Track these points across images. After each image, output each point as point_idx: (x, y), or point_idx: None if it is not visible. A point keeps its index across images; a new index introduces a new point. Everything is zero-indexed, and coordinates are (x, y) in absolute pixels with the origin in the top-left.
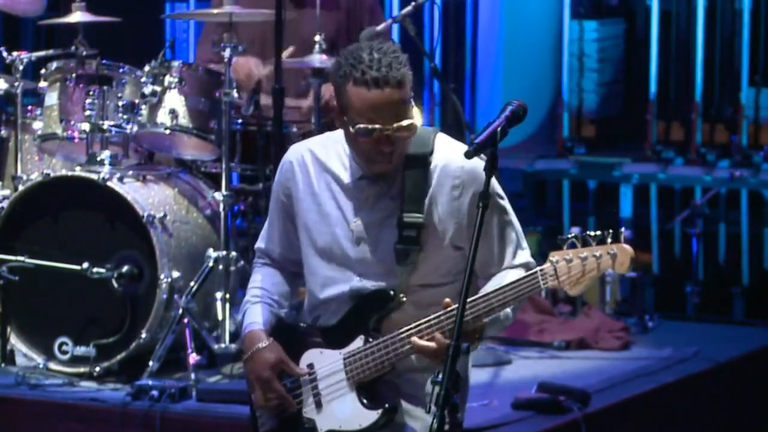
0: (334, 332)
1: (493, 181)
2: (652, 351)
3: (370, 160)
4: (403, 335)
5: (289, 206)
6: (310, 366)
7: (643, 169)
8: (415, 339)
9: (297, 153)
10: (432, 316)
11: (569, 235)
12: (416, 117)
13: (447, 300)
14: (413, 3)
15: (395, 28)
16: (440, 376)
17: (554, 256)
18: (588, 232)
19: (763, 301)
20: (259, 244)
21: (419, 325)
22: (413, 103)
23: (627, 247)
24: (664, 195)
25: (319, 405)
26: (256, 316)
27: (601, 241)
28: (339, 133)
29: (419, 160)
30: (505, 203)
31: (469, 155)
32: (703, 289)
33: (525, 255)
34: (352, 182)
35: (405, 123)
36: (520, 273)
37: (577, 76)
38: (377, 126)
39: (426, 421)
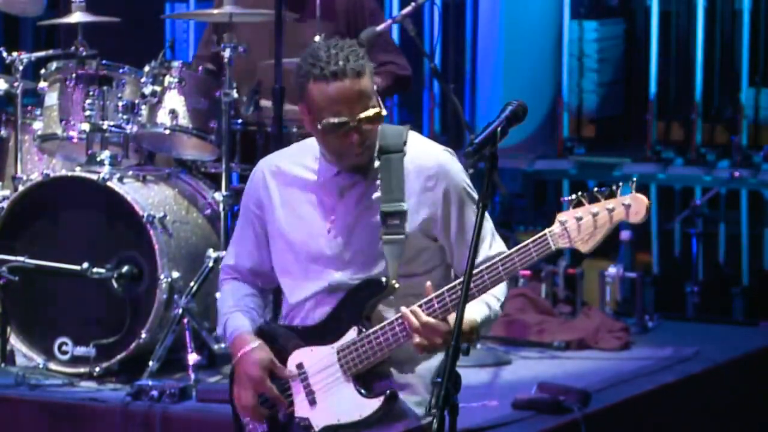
0: (322, 328)
1: (465, 176)
2: (652, 351)
3: (342, 155)
4: (402, 320)
5: (260, 217)
6: (299, 366)
7: (643, 169)
8: (403, 309)
9: (267, 164)
10: (432, 295)
11: (574, 196)
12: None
13: (428, 284)
14: (413, 3)
15: (395, 28)
16: (440, 377)
17: (562, 216)
18: (595, 189)
19: (763, 301)
20: (227, 261)
21: (419, 306)
22: (378, 95)
23: (641, 195)
24: (664, 195)
25: (312, 402)
26: (239, 322)
27: (611, 194)
28: (309, 141)
29: (393, 151)
30: (477, 196)
31: (469, 155)
32: (703, 289)
33: (500, 245)
34: (325, 180)
35: (370, 113)
36: None
37: (577, 76)
38: (343, 119)
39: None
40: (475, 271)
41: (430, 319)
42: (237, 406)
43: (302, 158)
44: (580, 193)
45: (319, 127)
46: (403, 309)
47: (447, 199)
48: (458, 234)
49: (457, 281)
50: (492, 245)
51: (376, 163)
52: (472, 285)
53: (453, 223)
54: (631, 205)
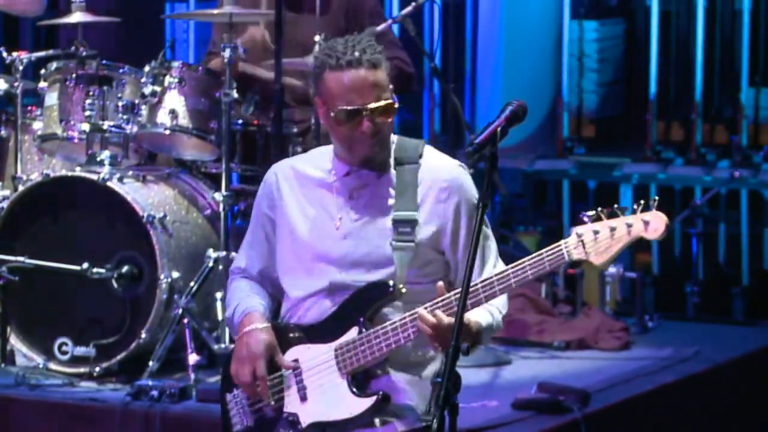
0: (323, 327)
1: (475, 190)
2: (652, 351)
3: (353, 145)
4: (405, 320)
5: (272, 219)
6: (295, 361)
7: (643, 169)
8: (420, 311)
9: (280, 166)
10: (437, 300)
11: (593, 212)
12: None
13: (440, 284)
14: (413, 3)
15: (395, 28)
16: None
17: (580, 229)
18: (615, 206)
19: (763, 301)
20: (238, 263)
21: (436, 305)
22: (392, 93)
23: (660, 213)
24: (664, 195)
25: (303, 399)
26: (255, 303)
27: (632, 212)
28: (324, 147)
29: (409, 162)
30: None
31: (469, 155)
32: (703, 289)
33: (503, 266)
34: (337, 180)
35: (383, 103)
36: None
37: (577, 76)
38: (356, 106)
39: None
40: (485, 279)
41: (451, 320)
42: (235, 381)
43: (316, 160)
44: (600, 209)
45: (332, 115)
46: (421, 310)
47: (458, 213)
48: (465, 250)
49: (494, 273)
50: (496, 265)
51: (392, 172)
52: (481, 291)
53: (461, 238)
54: (651, 222)
